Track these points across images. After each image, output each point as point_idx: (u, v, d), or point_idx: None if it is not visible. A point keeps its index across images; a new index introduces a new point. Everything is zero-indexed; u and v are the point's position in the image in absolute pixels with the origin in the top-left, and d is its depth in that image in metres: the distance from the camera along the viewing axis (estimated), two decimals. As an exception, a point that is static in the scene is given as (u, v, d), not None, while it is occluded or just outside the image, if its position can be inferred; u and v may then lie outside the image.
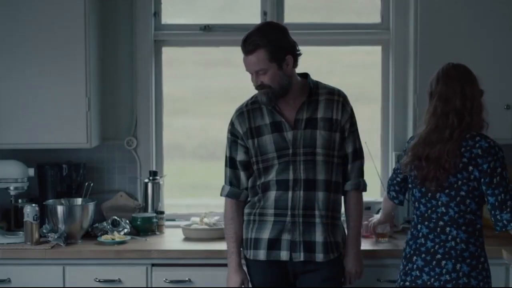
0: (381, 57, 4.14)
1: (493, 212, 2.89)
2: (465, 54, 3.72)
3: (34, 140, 3.76)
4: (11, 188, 3.73)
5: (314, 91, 3.18)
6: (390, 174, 4.10)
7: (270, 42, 3.07)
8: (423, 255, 2.96)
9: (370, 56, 4.15)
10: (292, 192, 3.12)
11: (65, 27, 3.71)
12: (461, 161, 2.89)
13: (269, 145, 3.15)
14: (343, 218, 3.27)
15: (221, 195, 3.29)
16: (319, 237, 3.12)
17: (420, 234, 2.99)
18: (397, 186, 3.23)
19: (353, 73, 4.18)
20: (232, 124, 3.24)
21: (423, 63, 3.74)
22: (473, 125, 2.93)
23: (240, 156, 3.22)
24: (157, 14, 4.14)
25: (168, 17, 4.18)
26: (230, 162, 3.26)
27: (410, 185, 3.08)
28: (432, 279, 2.92)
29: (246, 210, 3.23)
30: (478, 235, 2.94)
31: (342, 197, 3.25)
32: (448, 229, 2.92)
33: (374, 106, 4.14)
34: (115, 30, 4.09)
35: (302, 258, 3.11)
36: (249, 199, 3.24)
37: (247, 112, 3.22)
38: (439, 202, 2.93)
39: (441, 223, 2.93)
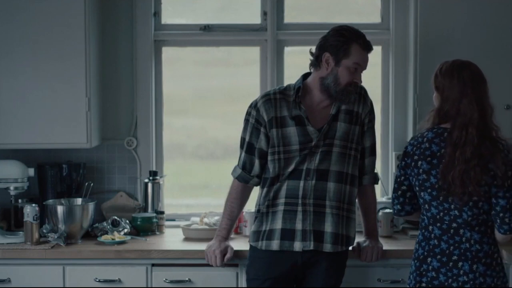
0: (381, 57, 4.15)
1: (502, 214, 2.86)
2: (465, 54, 3.72)
3: (34, 140, 3.76)
4: (11, 188, 3.74)
5: None
6: (390, 174, 4.11)
7: None
8: (438, 257, 2.93)
9: (370, 56, 4.14)
10: (304, 182, 3.15)
11: (65, 27, 3.71)
12: None
13: (293, 138, 3.17)
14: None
15: (231, 174, 3.34)
16: (328, 227, 3.14)
17: (433, 235, 2.95)
18: (401, 197, 3.07)
19: (353, 73, 4.17)
20: (257, 109, 3.23)
21: (423, 63, 3.74)
22: None
23: (260, 144, 3.23)
24: (157, 14, 4.14)
25: (168, 17, 4.17)
26: (248, 147, 3.26)
27: (417, 188, 2.99)
28: (450, 280, 2.90)
29: (261, 201, 3.25)
30: (490, 232, 2.92)
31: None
32: (461, 231, 2.89)
33: (374, 106, 4.13)
34: (115, 30, 4.09)
35: (312, 247, 3.13)
36: (264, 188, 3.25)
37: (274, 100, 3.22)
38: (452, 206, 2.90)
39: (454, 225, 2.90)
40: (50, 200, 3.82)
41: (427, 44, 3.76)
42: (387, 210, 3.79)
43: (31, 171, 3.78)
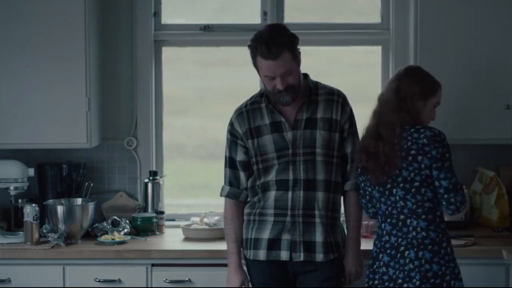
0: (381, 57, 4.14)
1: (446, 195, 2.94)
2: (465, 54, 3.73)
3: (34, 140, 3.76)
4: (11, 188, 3.74)
5: (313, 92, 3.18)
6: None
7: (290, 41, 3.03)
8: (388, 251, 3.02)
9: (370, 56, 4.15)
10: (292, 192, 3.13)
11: (65, 27, 3.71)
12: (409, 153, 2.95)
13: (268, 145, 3.15)
14: (342, 218, 3.28)
15: (220, 195, 3.29)
16: (319, 237, 3.12)
17: (384, 232, 3.05)
18: (367, 201, 3.18)
19: (353, 73, 4.18)
20: (231, 124, 3.24)
21: (423, 63, 3.73)
22: None
23: (239, 156, 3.23)
24: (157, 14, 4.14)
25: (168, 17, 4.18)
26: (230, 162, 3.26)
27: (368, 188, 3.11)
28: (397, 272, 2.97)
29: (246, 210, 3.23)
30: (439, 221, 3.00)
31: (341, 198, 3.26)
32: (409, 220, 2.98)
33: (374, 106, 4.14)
34: (115, 30, 4.09)
35: (302, 258, 3.11)
36: (249, 199, 3.25)
37: (246, 112, 3.22)
38: (397, 197, 2.99)
39: (402, 216, 2.99)
40: (50, 200, 3.82)
41: (427, 44, 3.76)
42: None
43: (31, 171, 3.78)
